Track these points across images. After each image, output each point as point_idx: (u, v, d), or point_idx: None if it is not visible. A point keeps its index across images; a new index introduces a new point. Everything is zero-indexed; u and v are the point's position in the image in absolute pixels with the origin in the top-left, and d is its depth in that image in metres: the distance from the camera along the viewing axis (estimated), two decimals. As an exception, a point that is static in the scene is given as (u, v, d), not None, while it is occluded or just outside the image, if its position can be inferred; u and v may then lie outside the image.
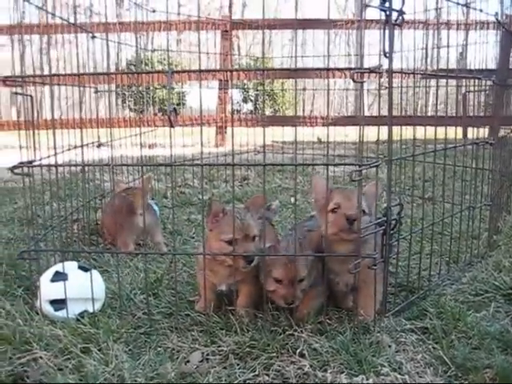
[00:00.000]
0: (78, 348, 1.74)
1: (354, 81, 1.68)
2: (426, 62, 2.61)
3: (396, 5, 1.82)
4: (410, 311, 2.08)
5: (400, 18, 1.83)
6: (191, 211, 3.88)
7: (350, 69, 1.71)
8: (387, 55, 1.81)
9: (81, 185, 3.04)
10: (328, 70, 1.77)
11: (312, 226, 2.21)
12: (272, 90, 11.57)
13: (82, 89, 3.05)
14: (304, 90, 6.37)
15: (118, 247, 2.80)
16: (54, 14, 2.42)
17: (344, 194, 1.98)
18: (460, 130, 2.91)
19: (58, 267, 2.09)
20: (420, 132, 2.26)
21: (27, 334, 1.82)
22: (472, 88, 2.75)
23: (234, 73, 7.31)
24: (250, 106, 12.98)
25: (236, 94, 12.91)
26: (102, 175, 4.14)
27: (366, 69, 1.70)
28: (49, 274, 2.08)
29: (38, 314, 2.01)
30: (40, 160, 2.15)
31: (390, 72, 1.85)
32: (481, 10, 2.51)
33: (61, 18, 2.51)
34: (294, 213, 2.08)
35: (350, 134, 7.12)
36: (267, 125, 6.75)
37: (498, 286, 2.29)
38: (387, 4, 1.79)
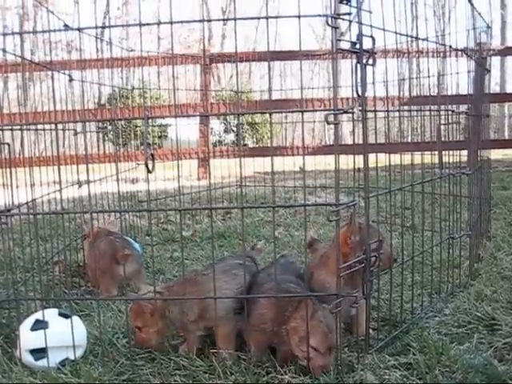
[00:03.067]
0: (59, 400, 1.72)
1: (328, 123, 1.70)
2: (400, 93, 2.66)
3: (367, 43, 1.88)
4: (394, 346, 2.08)
5: (371, 58, 1.88)
6: (174, 248, 3.87)
7: (324, 110, 1.73)
8: (360, 95, 1.85)
9: (62, 227, 3.02)
10: (302, 111, 1.80)
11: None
12: (254, 123, 11.66)
13: (60, 128, 3.06)
14: (281, 123, 6.42)
15: (101, 292, 2.77)
16: (31, 61, 2.43)
17: None
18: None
19: (38, 315, 2.07)
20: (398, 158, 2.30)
21: (6, 386, 1.80)
22: (448, 118, 2.79)
23: (214, 105, 7.38)
24: (232, 137, 13.04)
25: (217, 126, 12.97)
26: (84, 215, 4.11)
27: (339, 110, 1.73)
28: (28, 322, 2.05)
29: (17, 364, 1.98)
30: (18, 207, 2.14)
31: (364, 111, 1.89)
32: (450, 47, 2.57)
33: (35, 62, 2.53)
34: (274, 249, 2.07)
35: (332, 162, 7.19)
36: (248, 156, 6.79)
37: (480, 317, 2.31)
38: (358, 46, 1.83)
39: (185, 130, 7.75)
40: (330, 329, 1.85)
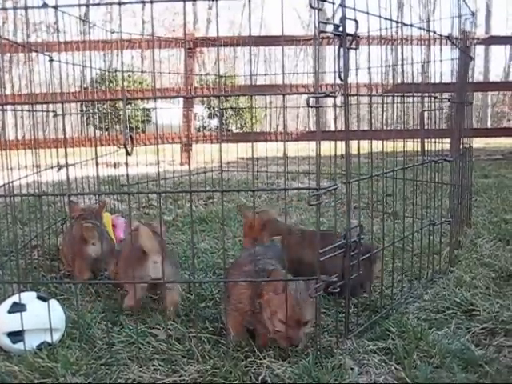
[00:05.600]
0: (35, 384, 1.70)
1: (310, 106, 1.69)
2: (382, 79, 2.64)
3: (350, 27, 1.86)
4: (373, 331, 2.09)
5: (355, 42, 1.86)
6: (155, 233, 3.83)
7: (306, 93, 1.71)
8: (342, 78, 1.84)
9: (42, 210, 2.98)
10: (284, 94, 1.78)
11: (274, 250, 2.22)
12: (239, 108, 11.59)
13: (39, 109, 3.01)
14: (265, 108, 6.40)
15: (75, 275, 2.73)
16: (8, 40, 2.38)
17: None
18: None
19: (16, 298, 2.04)
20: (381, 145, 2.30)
21: (-19, 371, 1.77)
22: (431, 105, 2.79)
23: (198, 90, 7.33)
24: (215, 122, 12.98)
25: (201, 111, 12.89)
26: (64, 198, 4.07)
27: (321, 94, 1.71)
28: (6, 305, 2.02)
29: (-7, 348, 1.95)
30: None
31: (346, 95, 1.87)
32: (434, 32, 2.56)
33: (14, 42, 2.47)
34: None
35: (315, 148, 7.16)
36: (232, 141, 6.75)
37: (458, 303, 2.32)
38: (341, 29, 1.81)
39: (168, 115, 7.69)
40: (300, 302, 1.83)
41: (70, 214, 3.01)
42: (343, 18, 1.81)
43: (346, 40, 1.81)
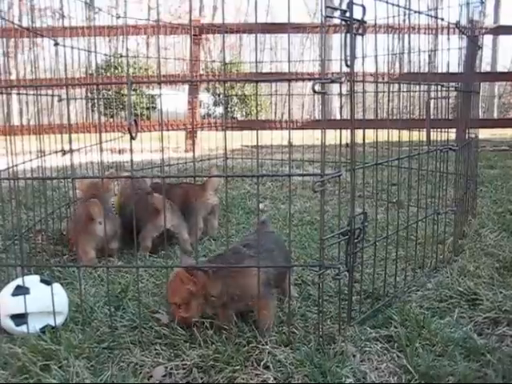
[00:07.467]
0: (38, 366, 1.70)
1: (315, 92, 1.67)
2: (389, 67, 2.63)
3: (357, 13, 1.84)
4: (375, 319, 2.09)
5: (361, 27, 1.85)
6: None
7: (311, 79, 1.70)
8: (348, 65, 1.82)
9: (46, 194, 2.98)
10: (289, 80, 1.77)
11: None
12: (244, 95, 11.55)
13: (48, 94, 3.02)
14: (270, 95, 6.38)
15: (79, 256, 2.73)
16: (12, 23, 2.37)
17: None
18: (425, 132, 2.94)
19: (20, 281, 2.05)
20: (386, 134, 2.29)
21: (-16, 352, 1.78)
22: (438, 93, 2.77)
23: (203, 77, 7.30)
24: (221, 110, 12.95)
25: (206, 98, 12.86)
26: (68, 183, 4.07)
27: (326, 79, 1.70)
28: (9, 288, 2.03)
29: (-4, 330, 1.97)
30: (-1, 172, 2.11)
31: (352, 81, 1.86)
32: (442, 19, 2.54)
33: (21, 26, 2.46)
34: (258, 220, 2.05)
35: (320, 135, 7.10)
36: (236, 129, 6.74)
37: (462, 292, 2.32)
38: (348, 14, 1.80)
39: (173, 102, 7.68)
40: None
41: (80, 189, 3.04)
42: (350, 3, 1.79)
43: (353, 25, 1.80)
